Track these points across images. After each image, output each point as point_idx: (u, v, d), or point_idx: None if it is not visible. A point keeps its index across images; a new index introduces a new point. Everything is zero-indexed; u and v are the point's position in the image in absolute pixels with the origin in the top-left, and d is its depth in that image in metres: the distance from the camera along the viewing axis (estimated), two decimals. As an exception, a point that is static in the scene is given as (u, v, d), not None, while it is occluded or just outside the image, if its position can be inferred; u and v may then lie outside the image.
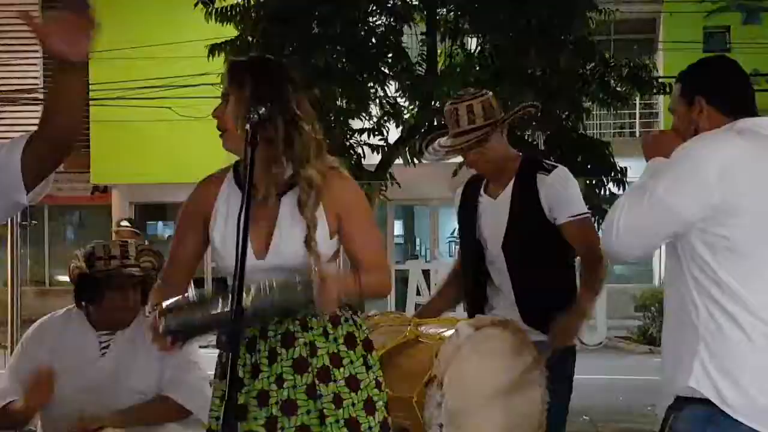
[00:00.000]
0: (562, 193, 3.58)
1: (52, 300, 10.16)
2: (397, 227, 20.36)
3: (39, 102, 18.19)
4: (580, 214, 3.57)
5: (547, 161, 3.84)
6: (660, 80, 10.91)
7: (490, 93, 3.70)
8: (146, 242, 6.42)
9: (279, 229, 2.65)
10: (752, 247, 2.43)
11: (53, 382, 3.35)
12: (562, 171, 3.66)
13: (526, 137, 9.81)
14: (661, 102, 16.85)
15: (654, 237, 2.55)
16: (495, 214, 3.64)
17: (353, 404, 2.64)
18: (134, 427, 3.41)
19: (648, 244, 2.60)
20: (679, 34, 17.22)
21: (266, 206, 2.64)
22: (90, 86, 17.28)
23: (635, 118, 19.38)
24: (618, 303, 14.27)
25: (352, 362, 2.67)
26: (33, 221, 18.38)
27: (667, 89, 9.95)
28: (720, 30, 18.58)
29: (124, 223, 9.23)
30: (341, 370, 2.65)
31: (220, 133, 2.71)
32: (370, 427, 2.65)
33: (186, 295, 2.64)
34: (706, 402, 2.42)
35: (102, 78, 16.60)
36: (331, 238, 2.69)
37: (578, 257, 3.66)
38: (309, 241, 2.62)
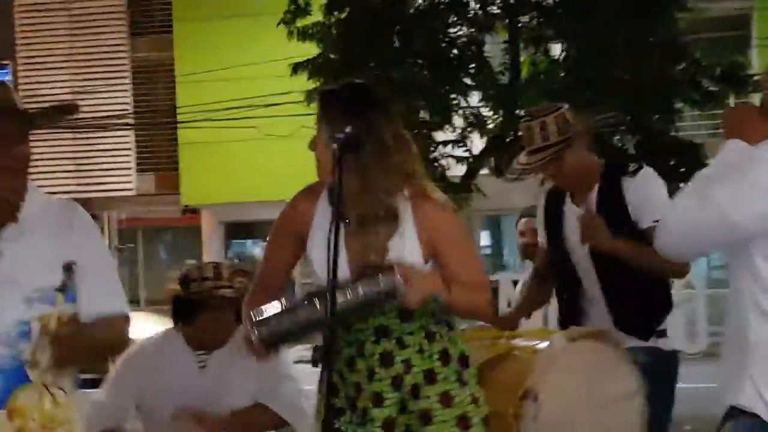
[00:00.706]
0: (647, 195, 3.51)
1: (145, 321, 10.38)
2: (484, 238, 20.28)
3: (129, 127, 18.68)
4: None
5: (631, 164, 3.77)
6: (754, 78, 10.65)
7: (566, 106, 3.65)
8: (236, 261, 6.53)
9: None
10: None
11: None
12: (646, 173, 3.60)
13: (615, 143, 9.68)
14: (758, 101, 16.36)
15: (706, 243, 2.42)
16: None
17: (444, 421, 2.65)
18: None
19: (699, 250, 2.51)
20: (773, 29, 16.76)
21: (363, 231, 2.67)
22: (177, 109, 17.74)
23: (730, 118, 18.86)
24: (719, 309, 13.90)
25: (446, 378, 2.68)
26: (129, 244, 18.93)
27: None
28: (817, 24, 18.03)
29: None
30: (435, 386, 2.66)
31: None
32: None
33: (274, 304, 2.70)
34: (755, 415, 2.31)
35: (189, 101, 17.01)
36: (426, 263, 2.69)
37: None
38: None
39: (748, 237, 2.30)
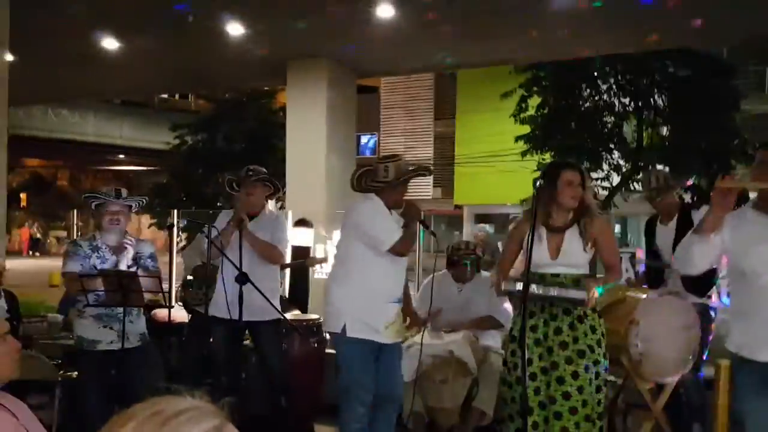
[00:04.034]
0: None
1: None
2: (616, 230, 18.23)
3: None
4: None
5: (697, 202, 3.51)
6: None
7: (667, 169, 3.55)
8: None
9: None
10: None
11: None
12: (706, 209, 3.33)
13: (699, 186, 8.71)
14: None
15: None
16: None
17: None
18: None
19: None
20: None
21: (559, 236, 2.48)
22: (455, 158, 17.62)
23: None
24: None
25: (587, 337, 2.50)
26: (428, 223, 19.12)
27: None
28: None
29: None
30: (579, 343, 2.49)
31: None
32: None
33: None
34: None
35: (461, 151, 16.75)
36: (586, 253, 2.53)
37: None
38: None
39: None
